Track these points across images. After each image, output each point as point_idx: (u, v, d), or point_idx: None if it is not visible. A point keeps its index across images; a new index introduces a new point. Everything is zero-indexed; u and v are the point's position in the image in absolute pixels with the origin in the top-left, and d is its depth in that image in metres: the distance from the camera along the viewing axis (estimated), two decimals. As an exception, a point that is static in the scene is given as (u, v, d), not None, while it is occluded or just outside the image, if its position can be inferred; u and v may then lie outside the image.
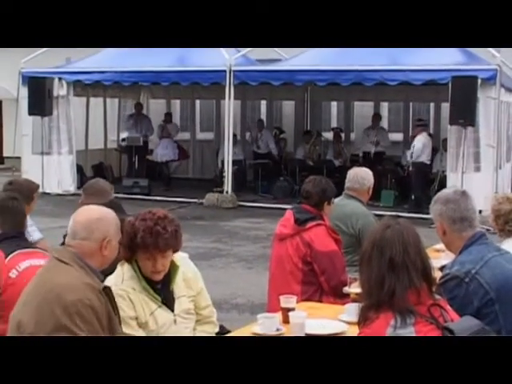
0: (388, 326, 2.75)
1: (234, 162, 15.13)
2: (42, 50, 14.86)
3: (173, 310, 3.78)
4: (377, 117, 16.75)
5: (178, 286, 3.83)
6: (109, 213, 3.34)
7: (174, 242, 3.66)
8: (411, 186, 14.19)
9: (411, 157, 13.89)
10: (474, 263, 3.49)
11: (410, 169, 14.14)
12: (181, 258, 3.91)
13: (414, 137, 15.04)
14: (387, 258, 2.81)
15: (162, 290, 3.76)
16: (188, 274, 3.90)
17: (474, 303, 3.42)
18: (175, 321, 3.78)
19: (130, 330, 3.59)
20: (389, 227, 2.88)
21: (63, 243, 3.41)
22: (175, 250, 3.76)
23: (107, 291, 3.19)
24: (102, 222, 3.25)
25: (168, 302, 3.77)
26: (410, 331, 2.74)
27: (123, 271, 3.73)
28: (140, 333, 3.64)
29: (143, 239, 3.60)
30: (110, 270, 3.66)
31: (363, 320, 2.86)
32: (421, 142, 13.85)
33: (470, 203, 3.69)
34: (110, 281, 3.66)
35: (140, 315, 3.66)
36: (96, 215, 3.28)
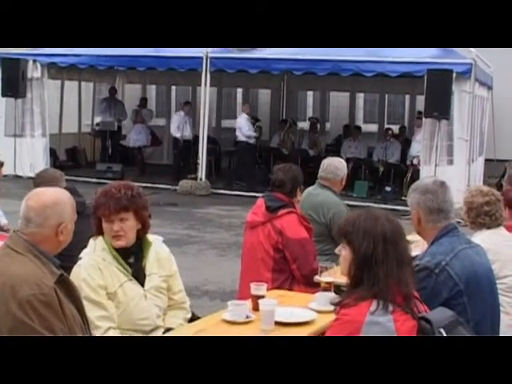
0: (367, 312, 2.79)
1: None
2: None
3: (143, 286, 3.85)
4: (357, 130, 16.66)
5: (150, 264, 3.91)
6: (63, 194, 3.20)
7: (126, 203, 3.73)
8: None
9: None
10: (445, 255, 3.51)
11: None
12: (155, 239, 4.01)
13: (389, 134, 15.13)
14: (400, 252, 2.90)
15: (134, 265, 3.85)
16: (162, 255, 4.00)
17: (442, 294, 3.44)
18: (145, 296, 3.84)
19: (99, 297, 3.69)
20: (387, 220, 2.94)
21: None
22: (141, 220, 3.82)
23: (64, 278, 3.12)
24: (58, 206, 3.10)
25: (139, 277, 3.85)
26: (388, 319, 2.80)
27: (95, 244, 3.85)
28: (109, 303, 3.72)
29: (97, 200, 3.78)
30: (82, 245, 3.84)
31: (342, 303, 2.90)
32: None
33: (448, 195, 3.70)
34: (82, 253, 3.83)
35: (108, 285, 3.73)
36: (51, 199, 3.11)
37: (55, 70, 16.36)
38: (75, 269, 3.75)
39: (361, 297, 2.83)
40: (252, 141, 15.60)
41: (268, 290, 4.21)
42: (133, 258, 3.86)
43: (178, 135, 15.81)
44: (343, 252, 2.95)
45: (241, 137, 15.42)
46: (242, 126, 15.46)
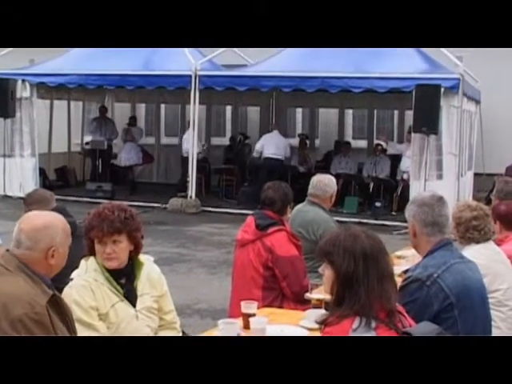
0: (350, 330, 2.79)
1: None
2: (5, 50, 14.69)
3: (135, 306, 3.83)
4: (347, 146, 16.64)
5: (142, 284, 3.89)
6: (55, 218, 3.20)
7: (120, 226, 3.71)
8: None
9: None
10: (437, 267, 3.53)
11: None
12: (146, 259, 4.00)
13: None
14: (382, 268, 2.90)
15: (126, 286, 3.83)
16: (153, 275, 3.98)
17: (433, 306, 3.46)
18: (137, 316, 3.83)
19: (90, 319, 3.67)
20: (367, 237, 2.95)
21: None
22: (134, 242, 3.80)
23: (56, 298, 3.11)
24: (48, 230, 3.10)
25: (130, 297, 3.83)
26: (371, 335, 2.78)
27: (87, 264, 3.83)
28: (100, 324, 3.70)
29: (90, 221, 3.75)
30: (72, 266, 3.80)
31: (325, 322, 2.90)
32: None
33: (444, 210, 3.74)
34: (74, 274, 3.81)
35: (100, 306, 3.71)
36: (41, 223, 3.12)
37: (44, 90, 16.33)
38: (66, 290, 3.72)
39: (343, 315, 2.83)
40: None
41: (258, 307, 4.20)
42: (124, 279, 3.84)
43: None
44: (326, 272, 2.96)
45: (282, 156, 15.43)
46: (287, 145, 15.57)
